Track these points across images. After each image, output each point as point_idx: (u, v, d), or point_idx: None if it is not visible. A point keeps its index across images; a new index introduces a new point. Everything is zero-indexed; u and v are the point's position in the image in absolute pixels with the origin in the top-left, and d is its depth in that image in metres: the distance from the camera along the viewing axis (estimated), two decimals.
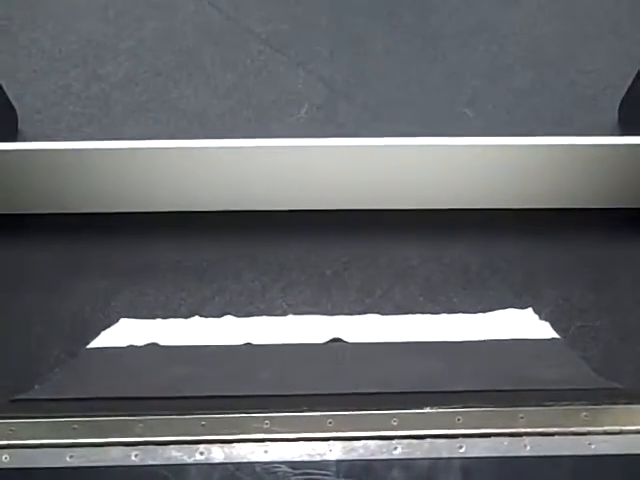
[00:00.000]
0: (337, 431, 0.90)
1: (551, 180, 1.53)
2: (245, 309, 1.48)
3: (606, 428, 0.89)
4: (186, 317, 1.44)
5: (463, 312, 1.46)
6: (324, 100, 1.82)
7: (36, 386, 1.14)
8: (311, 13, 1.98)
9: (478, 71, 1.86)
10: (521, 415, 0.90)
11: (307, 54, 1.90)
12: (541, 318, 1.41)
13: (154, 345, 1.32)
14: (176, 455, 0.88)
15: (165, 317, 1.44)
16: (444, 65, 1.88)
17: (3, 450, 0.89)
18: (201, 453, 0.88)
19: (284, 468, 0.88)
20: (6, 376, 1.37)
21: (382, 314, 1.45)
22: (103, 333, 1.38)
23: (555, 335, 1.33)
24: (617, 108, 1.75)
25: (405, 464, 0.88)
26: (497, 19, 1.96)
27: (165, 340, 1.34)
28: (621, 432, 0.89)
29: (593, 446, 0.88)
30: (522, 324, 1.39)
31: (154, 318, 1.44)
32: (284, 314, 1.47)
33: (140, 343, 1.32)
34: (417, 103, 1.81)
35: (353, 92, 1.83)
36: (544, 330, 1.35)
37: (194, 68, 1.87)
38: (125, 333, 1.38)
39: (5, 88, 1.65)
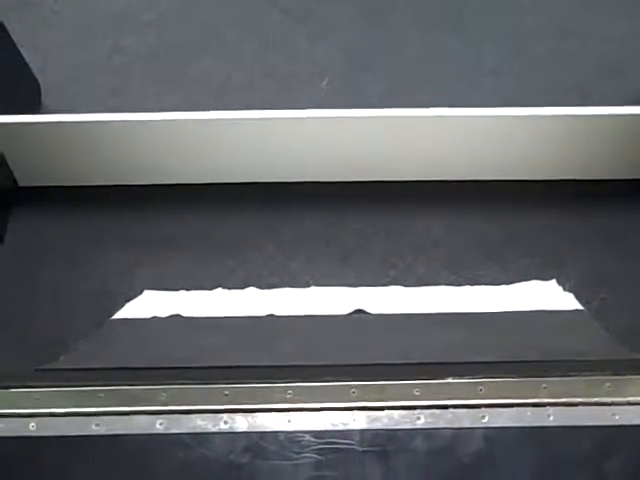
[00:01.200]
0: (360, 401, 0.91)
1: (575, 151, 1.52)
2: (268, 281, 1.48)
3: (629, 399, 0.89)
4: (209, 289, 1.45)
5: (486, 284, 1.45)
6: (345, 72, 1.81)
7: (61, 357, 1.15)
8: None
9: (500, 41, 1.84)
10: (544, 385, 0.90)
11: (328, 26, 1.89)
12: (565, 290, 1.40)
13: (177, 316, 1.33)
14: (200, 424, 0.89)
15: (188, 289, 1.45)
16: (465, 35, 1.86)
17: (30, 419, 0.90)
18: (225, 422, 0.89)
19: (308, 437, 0.89)
20: (30, 347, 1.38)
21: (405, 286, 1.44)
22: (127, 305, 1.39)
23: (579, 306, 1.32)
24: None
25: (428, 434, 0.89)
26: None
27: (188, 312, 1.34)
28: None
29: (617, 416, 0.88)
30: (546, 296, 1.38)
31: (177, 290, 1.44)
32: (307, 286, 1.47)
33: (164, 314, 1.33)
34: (438, 74, 1.80)
35: (374, 63, 1.82)
36: (568, 301, 1.35)
37: (215, 40, 1.86)
38: (149, 305, 1.39)
39: (28, 60, 1.66)
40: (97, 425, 0.89)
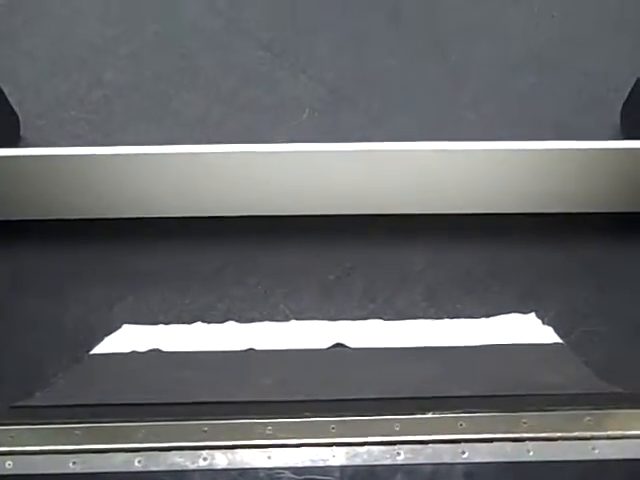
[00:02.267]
0: (340, 437, 0.90)
1: (553, 184, 1.53)
2: (248, 315, 1.48)
3: (609, 432, 0.89)
4: (189, 323, 1.44)
5: (466, 317, 1.45)
6: (325, 105, 1.82)
7: (37, 393, 1.14)
8: (311, 18, 1.98)
9: (481, 74, 1.86)
10: (524, 420, 0.90)
11: (308, 58, 1.90)
12: (544, 323, 1.41)
13: (157, 351, 1.32)
14: (179, 461, 0.88)
15: (167, 323, 1.44)
16: (446, 68, 1.88)
17: (6, 457, 0.88)
18: (204, 459, 0.88)
19: (288, 474, 0.88)
20: (7, 383, 1.37)
21: (385, 319, 1.44)
22: (106, 339, 1.38)
23: (558, 340, 1.32)
24: (619, 112, 1.75)
25: (408, 469, 0.88)
26: (500, 21, 1.96)
27: (168, 346, 1.33)
28: (625, 436, 0.89)
29: (597, 451, 0.88)
30: (525, 329, 1.39)
31: (157, 324, 1.44)
32: (287, 319, 1.46)
33: (143, 349, 1.32)
34: (419, 107, 1.81)
35: (355, 96, 1.83)
36: (547, 335, 1.35)
37: (195, 73, 1.87)
38: (128, 339, 1.38)
39: (7, 93, 1.66)
40: (74, 463, 0.88)
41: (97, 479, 0.88)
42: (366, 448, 0.89)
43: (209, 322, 1.44)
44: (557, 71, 1.86)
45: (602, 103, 1.79)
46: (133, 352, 1.32)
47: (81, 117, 1.78)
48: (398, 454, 0.88)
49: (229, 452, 0.89)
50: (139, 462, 0.88)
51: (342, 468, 0.88)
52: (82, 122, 1.77)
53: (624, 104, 1.74)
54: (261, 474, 0.88)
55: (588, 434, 0.89)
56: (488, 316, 1.44)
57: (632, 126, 1.72)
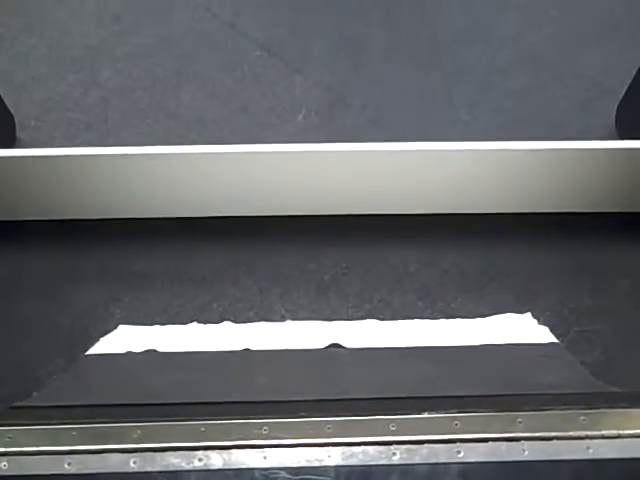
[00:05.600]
0: (336, 437, 0.90)
1: (548, 184, 1.54)
2: (244, 315, 1.48)
3: (604, 432, 0.89)
4: (184, 323, 1.44)
5: (462, 317, 1.46)
6: (321, 105, 1.82)
7: (34, 393, 1.14)
8: (308, 19, 1.98)
9: (475, 75, 1.86)
10: (519, 420, 0.90)
11: (304, 59, 1.90)
12: (540, 323, 1.41)
13: (153, 351, 1.32)
14: (174, 461, 0.88)
15: (163, 323, 1.44)
16: (441, 69, 1.88)
17: (2, 457, 0.89)
18: (200, 459, 0.88)
19: (283, 474, 0.88)
20: (4, 383, 1.37)
21: (381, 319, 1.45)
22: (101, 340, 1.38)
23: (554, 339, 1.33)
24: (614, 113, 1.76)
25: (404, 469, 0.88)
26: (494, 23, 1.96)
27: (163, 346, 1.33)
28: (619, 436, 0.89)
29: (591, 450, 0.88)
30: (521, 329, 1.39)
31: (152, 324, 1.44)
32: (283, 320, 1.47)
33: (138, 349, 1.32)
34: (414, 107, 1.82)
35: (350, 97, 1.83)
36: (543, 335, 1.35)
37: (191, 74, 1.87)
38: (123, 339, 1.38)
39: (2, 95, 1.65)
40: (69, 464, 0.88)
41: None
42: (362, 448, 0.89)
43: (205, 322, 1.44)
44: (552, 72, 1.86)
45: (597, 104, 1.79)
46: (129, 353, 1.32)
47: (77, 118, 1.78)
48: (394, 454, 0.89)
49: (225, 452, 0.89)
50: (134, 463, 0.88)
51: (337, 468, 0.88)
52: (78, 123, 1.77)
53: (619, 105, 1.74)
54: (257, 474, 0.88)
55: (583, 434, 0.89)
56: (484, 316, 1.44)
57: (627, 127, 1.72)
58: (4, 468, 0.88)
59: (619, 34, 1.94)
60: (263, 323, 1.44)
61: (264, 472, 0.88)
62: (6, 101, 1.68)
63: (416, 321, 1.43)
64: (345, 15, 1.99)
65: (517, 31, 1.95)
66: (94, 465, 0.88)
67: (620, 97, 1.73)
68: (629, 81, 1.67)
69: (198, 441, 0.90)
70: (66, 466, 0.88)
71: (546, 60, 1.89)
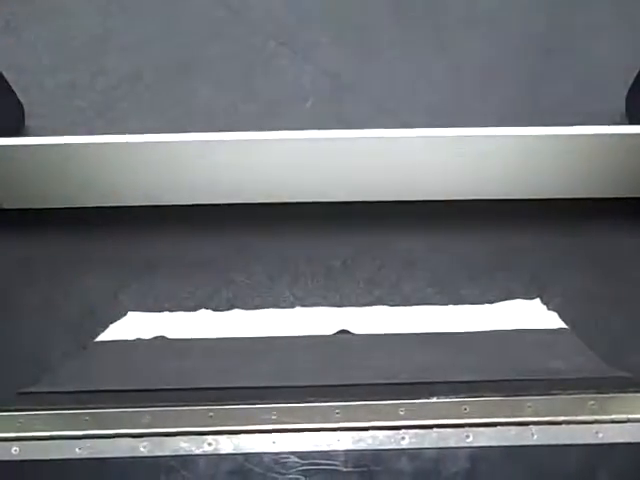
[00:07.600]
0: (345, 421, 0.90)
1: (558, 170, 1.53)
2: (253, 302, 1.48)
3: (613, 416, 0.89)
4: (193, 310, 1.45)
5: (471, 303, 1.45)
6: (329, 93, 1.82)
7: (43, 379, 1.15)
8: (315, 6, 1.97)
9: (483, 61, 1.86)
10: (528, 404, 0.90)
11: (312, 47, 1.90)
12: (549, 308, 1.41)
13: (162, 338, 1.32)
14: (184, 446, 0.89)
15: (172, 310, 1.45)
16: (449, 56, 1.87)
17: (12, 442, 0.89)
18: (209, 444, 0.89)
19: (292, 458, 0.89)
20: (14, 369, 1.37)
21: (390, 306, 1.45)
22: (111, 326, 1.38)
23: (563, 325, 1.33)
24: (624, 98, 1.75)
25: (413, 454, 0.88)
26: (502, 9, 1.95)
27: (172, 333, 1.34)
28: (628, 420, 0.89)
29: (600, 435, 0.88)
30: (530, 314, 1.39)
31: (162, 311, 1.44)
32: (291, 306, 1.47)
33: (148, 336, 1.33)
34: (422, 94, 1.81)
35: (358, 85, 1.83)
36: (552, 320, 1.35)
37: (199, 62, 1.87)
38: (133, 326, 1.38)
39: (11, 83, 1.66)
40: (80, 449, 0.88)
41: (103, 464, 0.89)
42: (371, 433, 0.89)
43: (214, 309, 1.45)
44: (561, 58, 1.85)
45: (608, 89, 1.78)
46: (138, 339, 1.32)
47: (84, 106, 1.78)
48: (403, 438, 0.89)
49: (234, 437, 0.90)
50: (144, 447, 0.89)
51: (347, 452, 0.89)
52: (85, 111, 1.77)
53: (629, 90, 1.73)
54: (266, 459, 0.89)
55: (592, 418, 0.89)
56: (493, 302, 1.44)
57: (638, 112, 1.71)
58: (15, 453, 0.89)
59: (630, 18, 1.92)
60: (272, 310, 1.44)
61: (273, 457, 0.89)
62: (15, 89, 1.68)
63: (426, 307, 1.43)
64: (352, 3, 1.98)
65: (525, 18, 1.94)
66: (104, 450, 0.88)
67: (630, 82, 1.72)
68: (639, 66, 1.65)
69: (207, 426, 0.90)
70: (77, 450, 0.88)
71: (556, 46, 1.88)
